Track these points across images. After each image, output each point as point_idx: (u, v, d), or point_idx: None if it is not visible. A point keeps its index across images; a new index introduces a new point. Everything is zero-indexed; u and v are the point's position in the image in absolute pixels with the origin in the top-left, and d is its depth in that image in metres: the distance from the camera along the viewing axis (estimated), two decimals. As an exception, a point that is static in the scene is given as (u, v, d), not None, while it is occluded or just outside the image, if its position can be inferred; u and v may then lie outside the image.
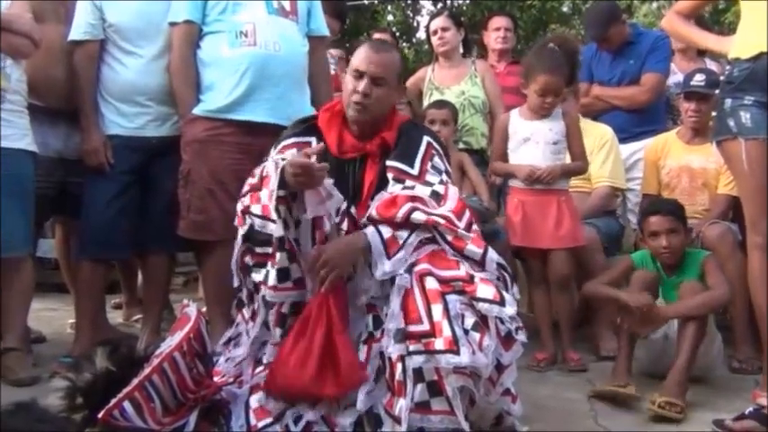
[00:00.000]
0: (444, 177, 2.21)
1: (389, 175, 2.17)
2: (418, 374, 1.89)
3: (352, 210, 2.17)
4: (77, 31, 3.02)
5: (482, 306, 1.93)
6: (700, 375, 2.77)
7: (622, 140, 3.78)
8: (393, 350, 1.93)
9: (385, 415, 1.97)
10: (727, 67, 2.78)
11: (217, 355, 2.24)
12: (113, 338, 2.73)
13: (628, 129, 3.87)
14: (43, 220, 3.53)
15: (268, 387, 2.08)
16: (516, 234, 3.12)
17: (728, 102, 2.64)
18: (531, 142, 3.13)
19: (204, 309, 2.62)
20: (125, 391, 1.85)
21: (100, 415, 1.82)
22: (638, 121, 3.92)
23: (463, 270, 1.99)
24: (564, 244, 3.09)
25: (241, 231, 2.16)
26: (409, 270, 1.99)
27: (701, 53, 4.23)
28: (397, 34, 9.07)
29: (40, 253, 4.09)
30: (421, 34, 11.48)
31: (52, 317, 3.90)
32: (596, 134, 3.63)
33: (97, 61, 3.05)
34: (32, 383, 2.67)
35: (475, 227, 2.12)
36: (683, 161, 3.49)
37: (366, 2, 10.78)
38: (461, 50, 4.07)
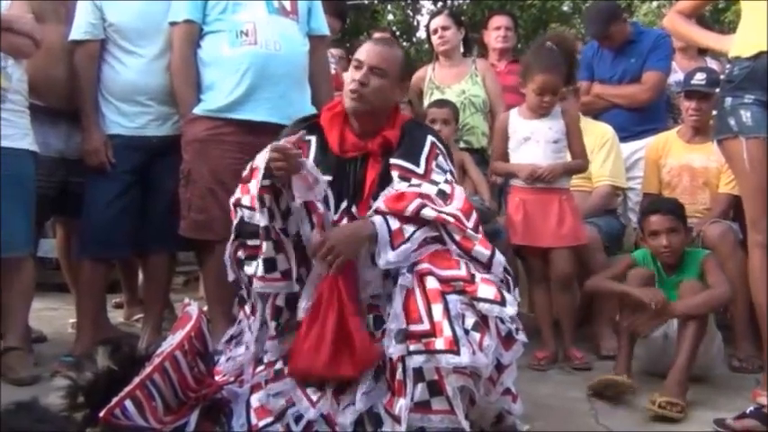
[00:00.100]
0: (449, 177, 2.21)
1: (395, 174, 2.16)
2: (418, 374, 1.89)
3: (353, 209, 2.17)
4: (78, 31, 3.03)
5: (482, 306, 1.93)
6: (700, 374, 2.77)
7: (623, 139, 3.78)
8: (394, 350, 1.92)
9: (385, 414, 1.97)
10: (728, 66, 2.78)
11: (218, 354, 2.24)
12: (114, 337, 2.74)
13: (628, 127, 3.88)
14: (44, 220, 3.53)
15: (291, 373, 2.07)
16: (517, 233, 3.12)
17: (729, 100, 2.65)
18: (532, 141, 3.13)
19: (205, 308, 2.62)
20: (126, 389, 1.85)
21: (101, 414, 1.82)
22: (638, 120, 3.92)
23: (464, 270, 1.98)
24: (566, 242, 3.09)
25: (234, 225, 2.16)
26: (411, 269, 1.99)
27: (702, 52, 4.23)
28: (398, 33, 9.07)
29: (41, 253, 4.10)
30: (421, 33, 11.48)
31: (53, 316, 3.91)
32: (597, 133, 3.63)
33: (98, 61, 3.05)
34: (33, 383, 2.67)
35: (481, 228, 2.12)
36: (683, 160, 3.49)
37: (366, 1, 10.78)
38: (462, 49, 4.07)
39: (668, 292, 2.80)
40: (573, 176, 3.29)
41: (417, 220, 2.02)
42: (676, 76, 4.06)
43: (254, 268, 2.10)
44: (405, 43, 11.24)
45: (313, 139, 2.25)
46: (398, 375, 1.93)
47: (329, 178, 2.17)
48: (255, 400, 2.11)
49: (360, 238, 2.03)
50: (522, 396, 2.17)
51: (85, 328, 3.10)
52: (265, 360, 2.16)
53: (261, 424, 2.07)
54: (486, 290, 1.95)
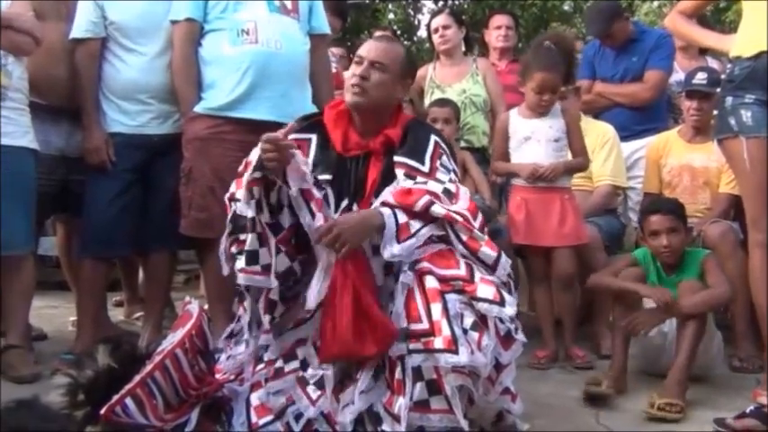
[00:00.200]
0: (453, 176, 2.20)
1: (399, 171, 2.15)
2: (417, 373, 1.89)
3: (354, 207, 2.16)
4: (79, 30, 3.03)
5: (481, 306, 1.92)
6: (700, 374, 2.77)
7: (624, 138, 3.78)
8: (395, 349, 1.93)
9: (384, 413, 1.96)
10: (729, 66, 2.79)
11: (218, 353, 2.24)
12: (115, 336, 2.74)
13: (629, 127, 3.88)
14: (45, 218, 3.53)
15: (323, 360, 2.05)
16: (519, 232, 3.12)
17: (729, 100, 2.65)
18: (533, 141, 3.14)
19: (206, 306, 2.62)
20: (127, 387, 1.85)
21: (102, 412, 1.82)
22: (639, 119, 3.92)
23: (463, 269, 1.98)
24: (567, 242, 3.09)
25: (228, 219, 2.15)
26: (412, 267, 1.99)
27: (703, 51, 4.23)
28: (399, 32, 9.06)
29: (41, 251, 4.10)
30: (422, 32, 11.46)
31: (53, 314, 3.91)
32: (598, 132, 3.64)
33: (99, 59, 3.06)
34: (34, 380, 2.67)
35: (486, 229, 2.11)
36: (684, 160, 3.49)
37: (367, 0, 10.77)
38: (463, 48, 4.07)
39: (668, 291, 2.81)
40: (574, 176, 3.30)
41: (425, 216, 2.01)
42: (677, 75, 4.06)
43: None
44: (405, 42, 11.21)
45: (313, 137, 2.25)
46: (398, 374, 1.93)
47: (329, 177, 2.18)
48: (255, 398, 2.11)
49: (367, 227, 2.01)
50: (523, 395, 2.17)
51: (86, 326, 3.10)
52: (265, 358, 2.16)
53: (261, 422, 2.08)
54: (485, 290, 1.94)
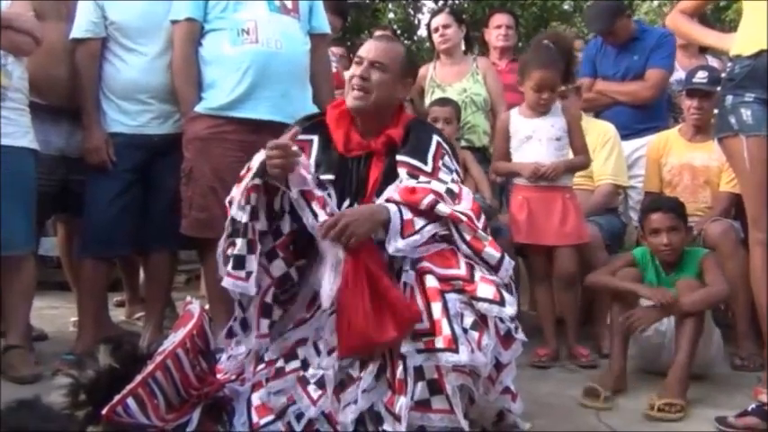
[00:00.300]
0: (455, 176, 2.20)
1: (402, 171, 2.15)
2: (419, 372, 1.89)
3: (356, 207, 2.16)
4: (79, 30, 3.03)
5: (481, 305, 1.93)
6: (700, 372, 2.77)
7: (625, 137, 3.77)
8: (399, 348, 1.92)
9: (385, 413, 1.96)
10: (729, 65, 2.79)
11: (220, 352, 2.24)
12: (116, 336, 2.73)
13: (630, 125, 3.87)
14: (45, 219, 3.53)
15: (343, 355, 2.03)
16: (521, 231, 3.12)
17: (729, 99, 2.65)
18: (534, 140, 3.14)
19: (207, 306, 2.62)
20: (128, 388, 1.85)
21: (103, 412, 1.82)
22: (640, 118, 3.92)
23: (463, 269, 1.98)
24: (569, 241, 3.09)
25: (227, 222, 2.15)
26: (414, 266, 1.99)
27: (703, 50, 4.23)
28: (399, 32, 9.05)
29: (42, 251, 4.10)
30: (422, 32, 11.46)
31: (54, 315, 3.91)
32: (599, 131, 3.64)
33: (99, 59, 3.06)
34: (35, 381, 2.67)
35: (489, 229, 2.11)
36: (684, 159, 3.49)
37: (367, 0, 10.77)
38: (463, 48, 4.06)
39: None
40: (575, 175, 3.29)
41: (429, 214, 2.01)
42: (677, 74, 4.06)
43: None
44: (406, 42, 11.20)
45: (315, 138, 2.25)
46: (399, 374, 1.92)
47: (332, 177, 2.17)
48: (257, 398, 2.11)
49: (375, 221, 2.00)
50: (524, 394, 2.17)
51: (87, 326, 3.10)
52: (266, 358, 2.16)
53: (262, 422, 2.08)
54: (485, 289, 1.94)
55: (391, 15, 11.40)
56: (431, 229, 2.00)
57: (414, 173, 2.14)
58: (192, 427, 1.98)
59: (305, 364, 2.11)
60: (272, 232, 2.13)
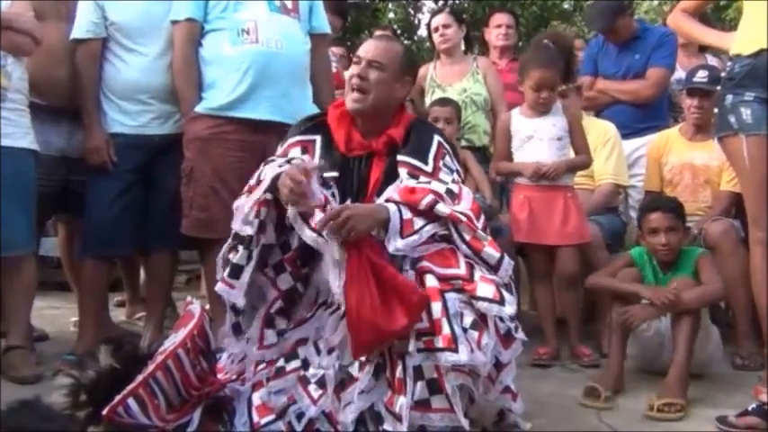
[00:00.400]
0: (456, 177, 2.20)
1: (403, 171, 2.16)
2: (418, 372, 1.89)
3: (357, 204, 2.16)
4: (80, 30, 3.03)
5: (481, 305, 1.93)
6: (699, 372, 2.77)
7: (625, 136, 3.77)
8: (398, 346, 1.92)
9: (385, 412, 1.96)
10: (729, 64, 2.79)
11: (220, 352, 2.24)
12: (117, 336, 2.73)
13: (630, 124, 3.87)
14: (46, 219, 3.53)
15: (357, 354, 2.00)
16: (522, 231, 3.12)
17: (729, 98, 2.65)
18: (535, 139, 3.14)
19: (207, 306, 2.62)
20: (129, 388, 1.85)
21: (104, 412, 1.82)
22: (640, 117, 3.92)
23: (463, 268, 1.98)
24: (571, 240, 3.09)
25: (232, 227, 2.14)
26: (413, 267, 1.99)
27: (703, 49, 4.23)
28: (399, 32, 9.05)
29: (42, 251, 4.09)
30: (422, 32, 11.46)
31: (55, 315, 3.91)
32: (599, 131, 3.64)
33: (100, 59, 3.06)
34: (36, 381, 2.68)
35: (488, 230, 2.11)
36: (685, 158, 3.49)
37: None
38: (463, 47, 4.06)
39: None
40: (576, 174, 3.29)
41: (429, 215, 2.01)
42: (677, 73, 4.05)
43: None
44: (406, 41, 11.21)
45: (318, 137, 2.25)
46: (398, 373, 1.92)
47: (336, 174, 2.18)
48: (257, 397, 2.12)
49: (375, 219, 2.00)
50: (524, 394, 2.18)
51: (88, 326, 3.10)
52: (267, 358, 2.16)
53: (263, 422, 2.08)
54: (484, 288, 1.94)
55: (391, 15, 11.41)
56: (430, 229, 2.01)
57: (414, 173, 2.14)
58: (193, 427, 1.98)
59: (305, 364, 2.11)
60: (281, 245, 2.14)
